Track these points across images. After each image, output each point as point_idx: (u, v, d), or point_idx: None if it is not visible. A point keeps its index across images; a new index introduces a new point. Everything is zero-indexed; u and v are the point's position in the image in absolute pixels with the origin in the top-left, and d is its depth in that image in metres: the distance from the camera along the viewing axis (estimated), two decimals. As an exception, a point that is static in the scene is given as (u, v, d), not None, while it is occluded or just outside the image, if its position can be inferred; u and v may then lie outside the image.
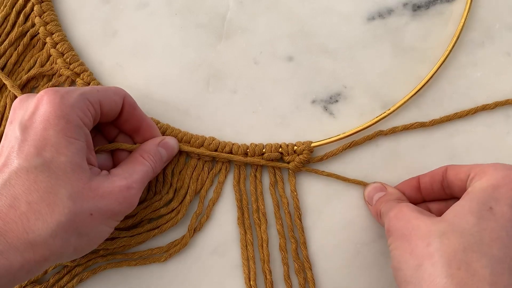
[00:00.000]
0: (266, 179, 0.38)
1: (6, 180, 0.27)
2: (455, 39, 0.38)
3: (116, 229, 0.36)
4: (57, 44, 0.38)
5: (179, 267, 0.36)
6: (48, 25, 0.39)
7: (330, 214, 0.37)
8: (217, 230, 0.37)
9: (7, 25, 0.39)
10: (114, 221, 0.31)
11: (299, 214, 0.36)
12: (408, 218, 0.30)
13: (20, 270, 0.27)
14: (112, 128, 0.35)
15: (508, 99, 0.38)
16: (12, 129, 0.29)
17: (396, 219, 0.30)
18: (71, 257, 0.30)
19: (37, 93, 0.30)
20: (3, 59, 0.38)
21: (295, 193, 0.37)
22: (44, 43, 0.39)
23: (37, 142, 0.28)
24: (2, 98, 0.38)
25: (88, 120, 0.30)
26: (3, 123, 0.38)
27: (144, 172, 0.32)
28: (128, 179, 0.31)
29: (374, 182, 0.36)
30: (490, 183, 0.29)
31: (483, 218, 0.27)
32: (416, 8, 0.40)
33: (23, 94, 0.38)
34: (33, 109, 0.29)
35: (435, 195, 0.34)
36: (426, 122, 0.37)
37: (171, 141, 0.36)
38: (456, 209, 0.29)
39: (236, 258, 0.37)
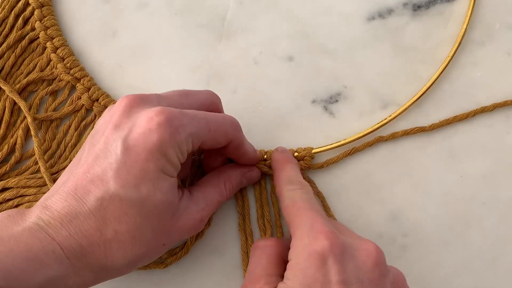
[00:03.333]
0: (268, 186, 0.37)
1: (100, 200, 0.27)
2: (459, 40, 0.38)
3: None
4: (57, 49, 0.38)
5: (179, 267, 0.36)
6: (48, 30, 0.38)
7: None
8: (218, 230, 0.37)
9: (5, 27, 0.39)
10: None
11: None
12: None
13: (91, 284, 0.28)
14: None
15: (506, 101, 0.38)
16: (114, 139, 0.28)
17: None
18: None
19: (147, 105, 0.29)
20: (1, 61, 0.38)
21: None
22: (44, 48, 0.39)
23: (137, 171, 0.27)
24: (0, 101, 0.38)
25: (184, 159, 0.30)
26: (2, 126, 0.38)
27: (219, 203, 0.33)
28: (203, 212, 0.31)
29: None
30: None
31: None
32: (416, 8, 0.40)
33: (22, 98, 0.38)
34: (141, 131, 0.28)
35: None
36: (426, 126, 0.37)
37: (256, 175, 0.36)
38: None
39: (236, 258, 0.37)
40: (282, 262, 0.31)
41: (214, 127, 0.30)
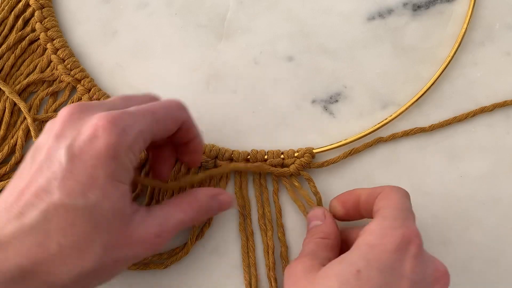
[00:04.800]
0: (269, 186, 0.37)
1: (44, 213, 0.25)
2: (459, 40, 0.38)
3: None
4: (58, 50, 0.38)
5: (179, 267, 0.36)
6: (49, 31, 0.38)
7: (330, 214, 0.37)
8: (218, 230, 0.37)
9: (4, 28, 0.39)
10: (133, 262, 0.30)
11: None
12: (295, 277, 0.29)
13: None
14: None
15: (506, 100, 0.38)
16: (57, 148, 0.26)
17: (286, 277, 0.30)
18: None
19: (89, 112, 0.28)
20: (0, 62, 0.38)
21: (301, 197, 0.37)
22: (45, 49, 0.39)
23: (84, 179, 0.26)
24: (0, 102, 0.38)
25: (136, 161, 0.28)
26: (2, 127, 0.37)
27: (182, 222, 0.30)
28: (161, 227, 0.29)
29: (317, 208, 0.34)
30: (367, 242, 0.28)
31: (346, 283, 0.26)
32: (416, 8, 0.40)
33: (22, 99, 0.38)
34: (86, 138, 0.26)
35: (370, 214, 0.32)
36: (426, 127, 0.37)
37: (227, 199, 0.33)
38: (327, 269, 0.28)
39: (236, 258, 0.37)
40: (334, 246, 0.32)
41: (162, 116, 0.29)
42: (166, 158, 0.34)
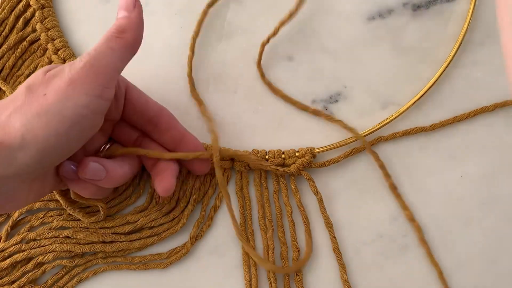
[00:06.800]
0: (270, 186, 0.37)
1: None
2: (459, 40, 0.38)
3: (115, 233, 0.36)
4: (58, 50, 0.38)
5: (179, 267, 0.36)
6: (49, 31, 0.39)
7: (329, 214, 0.37)
8: (217, 230, 0.37)
9: (5, 28, 0.39)
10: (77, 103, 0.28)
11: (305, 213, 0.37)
12: None
13: None
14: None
15: (506, 101, 0.38)
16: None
17: None
18: (32, 156, 0.27)
19: None
20: (1, 62, 0.38)
21: (299, 197, 0.37)
22: (45, 49, 0.39)
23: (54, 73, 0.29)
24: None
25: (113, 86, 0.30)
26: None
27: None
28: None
29: None
30: None
31: None
32: (416, 8, 0.40)
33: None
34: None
35: None
36: (427, 126, 0.37)
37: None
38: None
39: (236, 258, 0.37)
40: None
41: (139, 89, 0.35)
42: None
